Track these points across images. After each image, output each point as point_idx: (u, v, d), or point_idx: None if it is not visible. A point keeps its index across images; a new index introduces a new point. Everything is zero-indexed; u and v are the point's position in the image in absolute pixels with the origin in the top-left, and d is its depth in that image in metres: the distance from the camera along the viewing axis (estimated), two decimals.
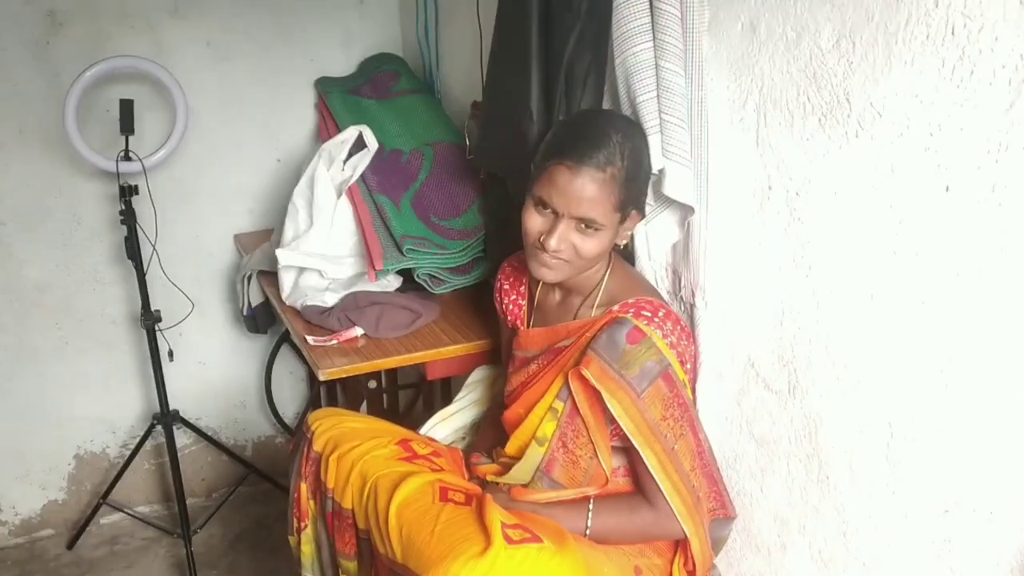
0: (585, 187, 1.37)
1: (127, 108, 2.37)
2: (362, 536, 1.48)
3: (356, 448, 1.54)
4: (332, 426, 1.63)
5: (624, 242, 1.52)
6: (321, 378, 1.88)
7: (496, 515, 1.31)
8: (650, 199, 1.58)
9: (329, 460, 1.55)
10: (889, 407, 1.27)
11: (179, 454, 2.71)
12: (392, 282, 2.19)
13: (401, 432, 1.65)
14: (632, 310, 1.46)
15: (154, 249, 2.61)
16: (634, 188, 1.44)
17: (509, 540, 1.27)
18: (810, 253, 1.36)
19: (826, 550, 1.44)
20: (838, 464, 1.38)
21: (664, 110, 1.48)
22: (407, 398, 3.15)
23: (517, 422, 1.59)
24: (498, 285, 1.77)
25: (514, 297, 1.73)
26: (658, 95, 1.48)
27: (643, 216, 1.53)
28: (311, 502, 1.62)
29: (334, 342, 1.98)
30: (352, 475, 1.50)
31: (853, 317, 1.30)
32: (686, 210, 1.55)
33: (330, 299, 2.11)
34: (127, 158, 2.41)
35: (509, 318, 1.74)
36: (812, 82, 1.30)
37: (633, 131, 1.46)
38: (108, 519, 2.94)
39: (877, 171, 1.22)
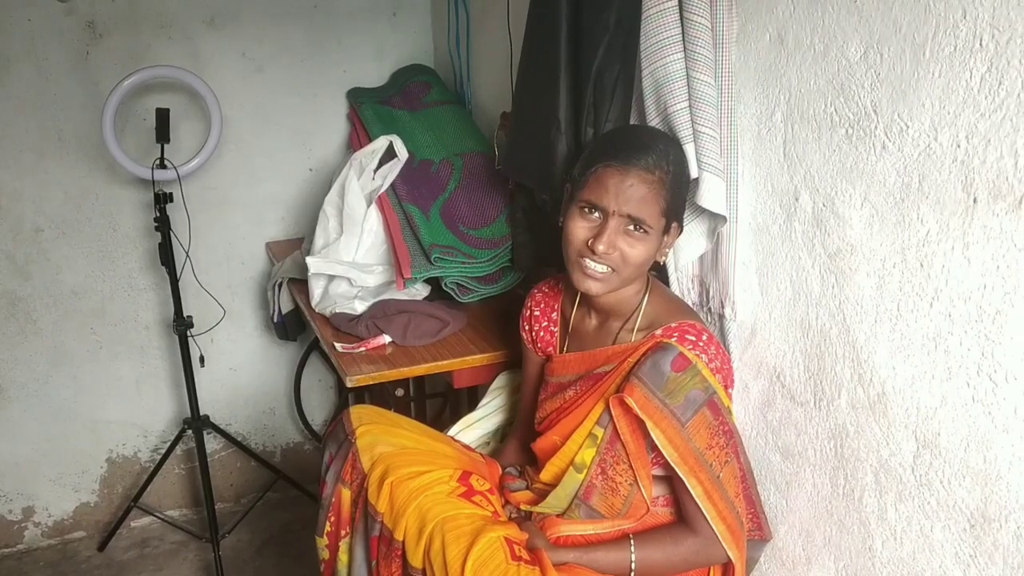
0: (635, 187, 1.37)
1: (163, 117, 2.41)
2: (412, 574, 1.45)
3: (414, 480, 1.51)
4: (381, 438, 1.60)
5: (664, 259, 1.51)
6: (349, 385, 1.90)
7: None
8: None
9: (383, 484, 1.51)
10: (916, 420, 1.26)
11: (209, 459, 2.75)
12: (420, 291, 2.21)
13: (457, 459, 1.63)
14: (676, 335, 1.44)
15: (187, 256, 2.65)
16: (679, 196, 1.44)
17: None
18: (837, 264, 1.36)
19: (852, 564, 1.43)
20: (864, 477, 1.37)
21: (697, 121, 1.48)
22: (434, 407, 3.16)
23: (552, 450, 1.57)
24: (527, 313, 1.74)
25: (545, 324, 1.71)
26: (690, 106, 1.48)
27: (681, 230, 1.52)
28: (355, 511, 1.60)
29: (362, 350, 2.00)
30: (409, 510, 1.47)
31: (880, 329, 1.30)
32: (716, 220, 1.55)
33: (359, 307, 2.13)
34: (162, 166, 2.45)
35: (540, 345, 1.72)
36: (839, 94, 1.30)
37: (674, 142, 1.46)
38: (139, 522, 2.98)
39: (904, 183, 1.21)
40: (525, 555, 1.38)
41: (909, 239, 1.22)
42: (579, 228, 1.44)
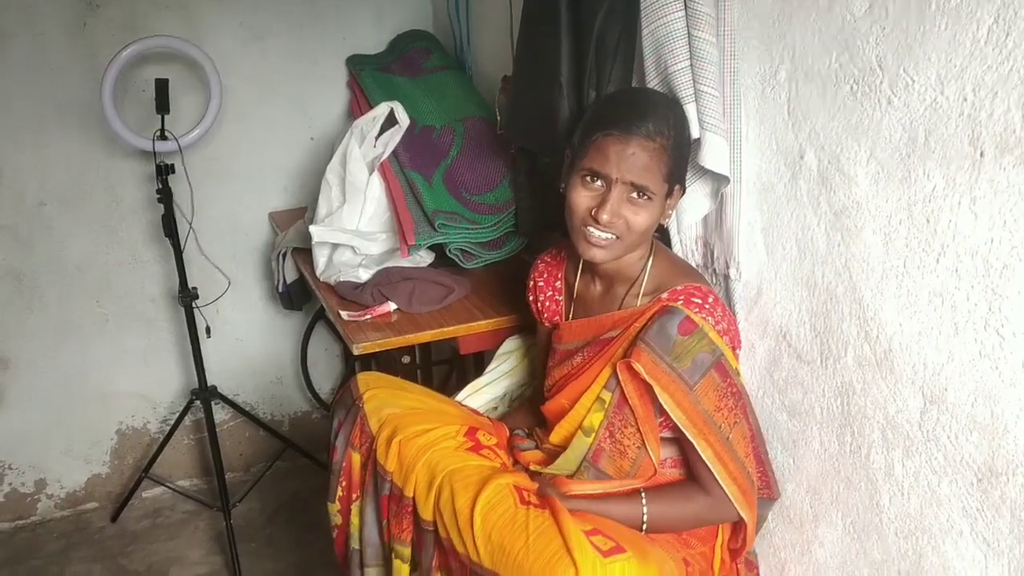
0: (637, 155, 1.37)
1: (162, 87, 2.40)
2: (424, 527, 1.47)
3: (421, 436, 1.53)
4: (387, 401, 1.62)
5: (667, 221, 1.51)
6: (355, 352, 1.90)
7: (575, 527, 1.30)
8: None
9: (392, 444, 1.53)
10: (923, 375, 1.26)
11: (218, 429, 2.77)
12: (424, 257, 2.21)
13: (463, 417, 1.64)
14: (682, 298, 1.44)
15: (191, 227, 2.64)
16: (680, 160, 1.43)
17: (600, 552, 1.27)
18: (843, 222, 1.35)
19: (859, 520, 1.44)
20: (871, 434, 1.37)
21: (698, 80, 1.47)
22: (441, 373, 3.17)
23: (560, 413, 1.58)
24: (531, 284, 1.74)
25: (550, 293, 1.71)
26: (691, 65, 1.47)
27: (684, 192, 1.51)
28: (364, 474, 1.61)
29: (368, 317, 2.00)
30: (418, 465, 1.48)
31: (886, 286, 1.29)
32: (719, 181, 1.54)
33: (364, 275, 2.13)
34: (163, 137, 2.44)
35: (546, 315, 1.72)
36: (844, 49, 1.29)
37: (674, 104, 1.45)
38: (150, 493, 3.01)
39: (910, 138, 1.21)
40: (534, 500, 1.39)
41: (915, 195, 1.22)
42: (582, 197, 1.43)
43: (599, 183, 1.41)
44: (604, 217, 1.39)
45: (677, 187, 1.46)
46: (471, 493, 1.39)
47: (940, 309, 1.21)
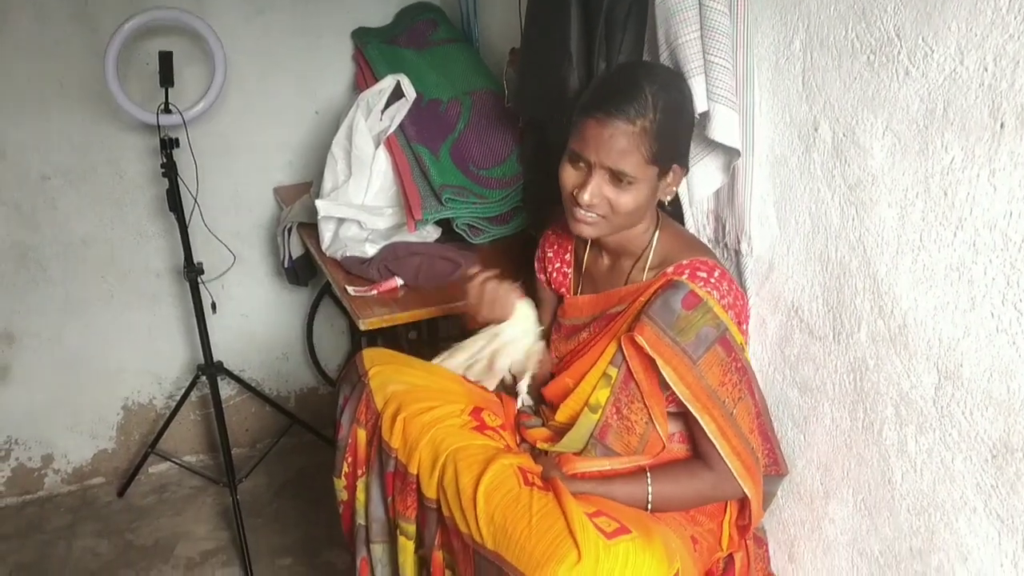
0: (614, 139, 1.36)
1: (166, 60, 2.37)
2: (428, 505, 1.47)
3: (426, 414, 1.52)
4: (393, 377, 1.61)
5: (668, 198, 1.49)
6: (362, 327, 1.89)
7: (578, 509, 1.29)
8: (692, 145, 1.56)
9: (396, 420, 1.52)
10: (938, 351, 1.25)
11: (224, 405, 2.77)
12: (431, 232, 2.19)
13: (469, 395, 1.63)
14: (687, 272, 1.43)
15: (195, 202, 2.62)
16: (670, 141, 1.41)
17: (604, 534, 1.27)
18: (857, 196, 1.33)
19: (870, 497, 1.43)
20: (884, 410, 1.36)
21: (709, 51, 1.44)
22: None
23: (564, 393, 1.57)
24: (540, 254, 1.74)
25: (558, 265, 1.70)
26: (702, 35, 1.44)
27: (687, 171, 1.49)
28: (370, 451, 1.61)
29: (374, 292, 1.99)
30: (422, 443, 1.48)
31: (902, 261, 1.27)
32: (730, 154, 1.52)
33: (370, 250, 2.12)
34: (167, 111, 2.42)
35: (554, 286, 1.71)
36: (861, 19, 1.26)
37: (672, 82, 1.43)
38: (156, 468, 3.02)
39: (928, 110, 1.18)
40: (538, 482, 1.38)
41: (932, 167, 1.19)
42: (568, 175, 1.45)
43: (582, 164, 1.42)
44: (584, 198, 1.40)
45: (676, 166, 1.45)
46: (474, 472, 1.38)
47: (957, 284, 1.20)
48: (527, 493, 1.34)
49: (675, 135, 1.42)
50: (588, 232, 1.46)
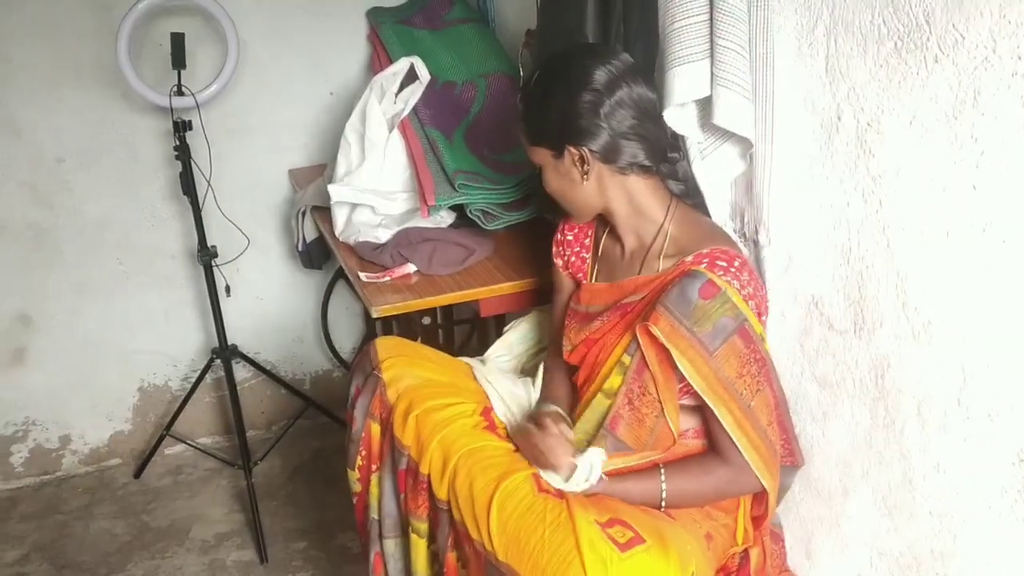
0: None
1: (178, 42, 2.35)
2: (439, 506, 1.46)
3: (438, 412, 1.51)
4: (406, 371, 1.60)
5: (586, 182, 1.46)
6: (374, 315, 1.87)
7: (588, 525, 1.28)
8: (701, 133, 1.51)
9: (408, 418, 1.52)
10: (963, 350, 1.20)
11: (239, 388, 2.76)
12: (445, 218, 2.16)
13: (481, 393, 1.63)
14: (706, 261, 1.39)
15: (209, 185, 2.61)
16: (544, 123, 1.47)
17: (618, 545, 1.25)
18: (881, 188, 1.29)
19: (891, 497, 1.39)
20: (906, 408, 1.32)
21: (719, 35, 1.40)
22: (462, 333, 3.14)
23: (582, 387, 1.57)
24: (559, 237, 1.70)
25: (577, 249, 1.67)
26: (711, 19, 1.40)
27: (600, 155, 1.43)
28: (383, 445, 1.60)
29: (387, 279, 1.96)
30: (433, 443, 1.47)
31: (926, 255, 1.23)
32: (745, 143, 1.48)
33: (383, 235, 2.09)
34: (180, 93, 2.40)
35: (571, 270, 1.68)
36: (888, 3, 1.21)
37: (551, 63, 1.46)
38: (172, 450, 3.02)
39: (958, 99, 1.13)
40: (552, 489, 1.36)
41: (962, 159, 1.15)
42: None
43: None
44: None
45: (570, 148, 1.43)
46: (490, 478, 1.37)
47: (985, 281, 1.15)
48: (541, 501, 1.33)
49: (547, 116, 1.46)
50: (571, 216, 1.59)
